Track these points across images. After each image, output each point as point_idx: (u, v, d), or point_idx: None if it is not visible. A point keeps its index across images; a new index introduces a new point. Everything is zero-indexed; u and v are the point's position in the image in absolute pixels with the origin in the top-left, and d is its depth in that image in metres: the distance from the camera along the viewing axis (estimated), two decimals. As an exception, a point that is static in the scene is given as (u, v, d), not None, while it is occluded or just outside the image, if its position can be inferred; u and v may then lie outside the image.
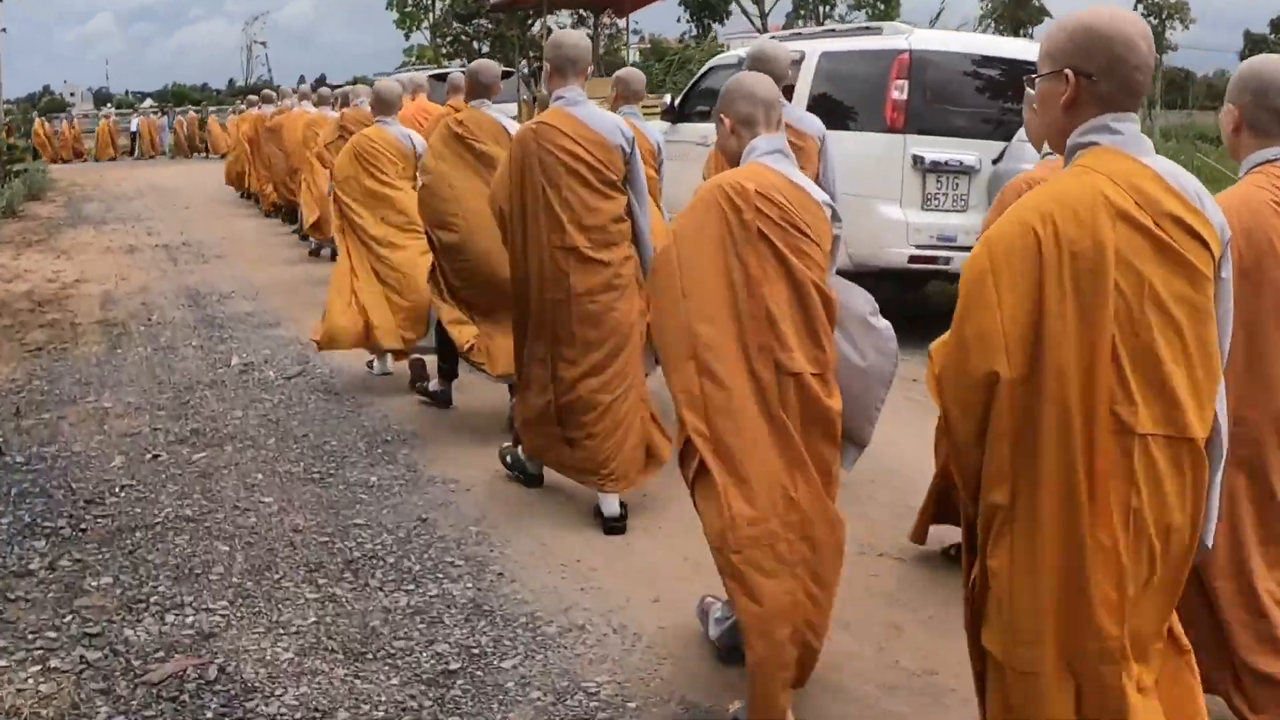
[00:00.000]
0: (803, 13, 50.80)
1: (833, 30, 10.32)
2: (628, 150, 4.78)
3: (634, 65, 39.28)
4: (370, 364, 7.82)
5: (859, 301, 3.44)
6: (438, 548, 4.82)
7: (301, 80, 73.47)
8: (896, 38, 8.91)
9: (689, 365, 3.17)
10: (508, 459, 5.57)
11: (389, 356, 7.73)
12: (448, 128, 5.93)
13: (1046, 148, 4.08)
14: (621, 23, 38.15)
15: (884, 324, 3.46)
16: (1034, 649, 2.30)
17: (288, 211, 15.68)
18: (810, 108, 9.33)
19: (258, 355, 8.38)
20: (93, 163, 36.89)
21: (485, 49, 36.11)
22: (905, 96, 8.56)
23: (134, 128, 40.62)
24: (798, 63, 9.57)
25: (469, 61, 35.94)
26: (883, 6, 54.98)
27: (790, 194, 3.22)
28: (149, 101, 61.35)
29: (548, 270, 4.77)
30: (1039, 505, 2.27)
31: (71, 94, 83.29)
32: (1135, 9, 52.03)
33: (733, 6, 54.48)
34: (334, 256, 12.61)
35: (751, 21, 41.69)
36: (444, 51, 38.29)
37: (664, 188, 7.74)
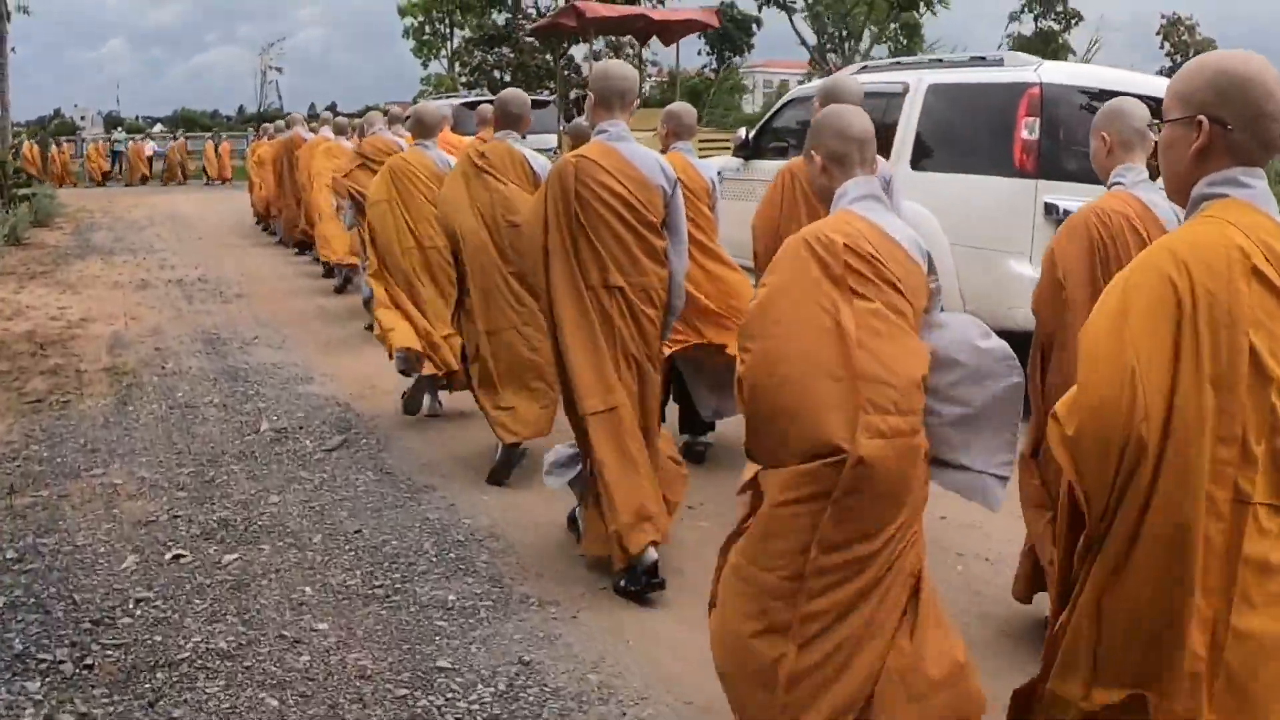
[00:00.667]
0: (830, 47, 50.36)
1: (940, 60, 9.24)
2: (668, 191, 4.51)
3: (655, 96, 38.71)
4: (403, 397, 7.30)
5: (967, 329, 3.11)
6: (554, 709, 3.70)
7: (312, 108, 72.93)
8: (1023, 70, 7.86)
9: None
10: (621, 583, 4.58)
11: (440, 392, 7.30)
12: (468, 158, 5.78)
13: (1114, 177, 3.83)
14: (647, 53, 37.37)
15: (996, 344, 3.08)
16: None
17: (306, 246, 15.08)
18: (916, 147, 8.32)
19: (291, 418, 7.27)
20: (95, 187, 35.91)
21: (507, 78, 35.17)
22: (1036, 136, 7.50)
23: (150, 151, 39.55)
24: (900, 95, 8.58)
25: (489, 90, 35.24)
26: (905, 41, 54.87)
27: (881, 246, 2.95)
28: (159, 126, 60.71)
29: (595, 312, 4.46)
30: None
31: (82, 117, 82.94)
32: (1162, 47, 51.34)
33: (755, 40, 54.11)
34: (347, 282, 12.04)
35: (813, 55, 40.85)
36: (464, 80, 37.40)
37: (734, 231, 6.89)
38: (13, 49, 26.64)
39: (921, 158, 8.32)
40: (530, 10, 36.92)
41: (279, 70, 47.30)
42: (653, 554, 4.46)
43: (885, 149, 8.55)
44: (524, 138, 5.90)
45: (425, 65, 43.56)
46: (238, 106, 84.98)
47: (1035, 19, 58.69)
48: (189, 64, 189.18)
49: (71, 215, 23.58)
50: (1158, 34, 51.53)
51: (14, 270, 14.32)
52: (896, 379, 2.83)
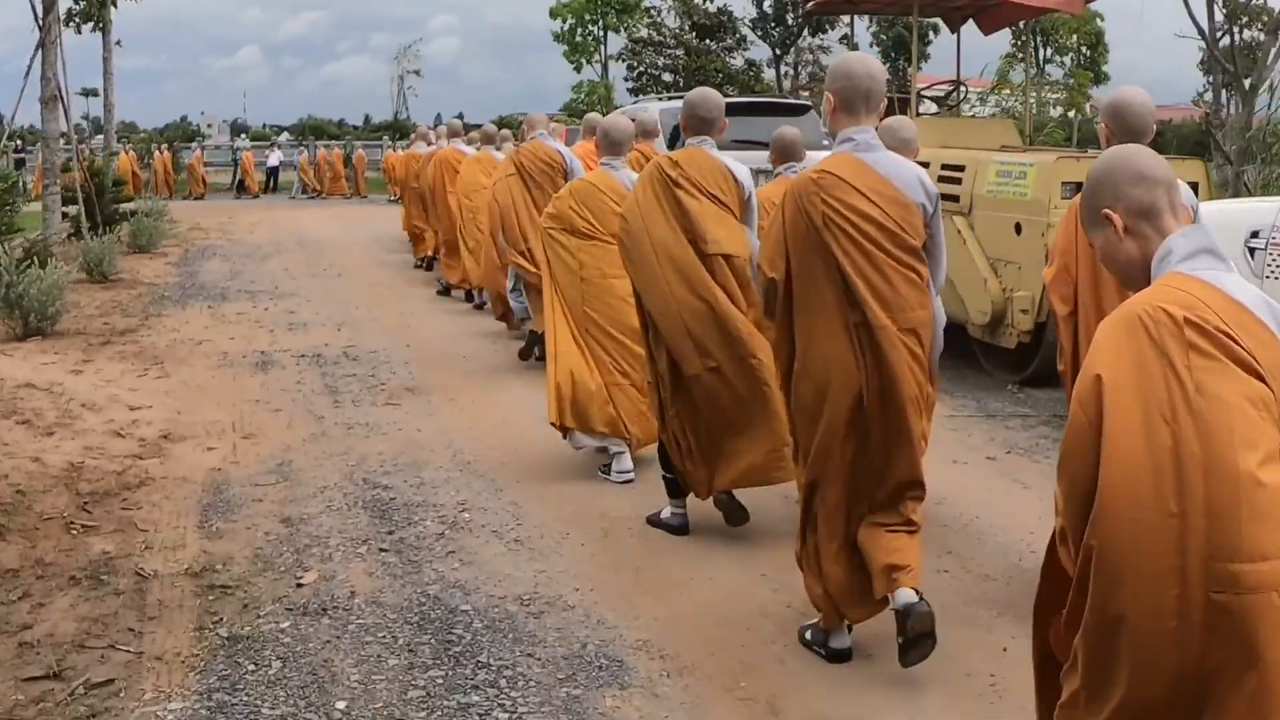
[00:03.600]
0: (1020, 56, 46.17)
1: None
2: (929, 210, 3.80)
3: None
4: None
5: None
6: None
7: (439, 118, 71.16)
8: None
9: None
10: (806, 635, 3.98)
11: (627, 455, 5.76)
12: (659, 170, 4.93)
13: None
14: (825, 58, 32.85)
15: None
16: None
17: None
18: None
19: None
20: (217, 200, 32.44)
21: (682, 82, 30.80)
22: None
23: (271, 162, 36.10)
24: None
25: (660, 96, 31.09)
26: (1088, 52, 51.85)
27: (1233, 317, 2.16)
28: (285, 135, 58.73)
29: (837, 359, 3.67)
30: None
31: (209, 125, 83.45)
32: None
33: (930, 49, 49.87)
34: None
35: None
36: (629, 86, 33.21)
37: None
38: (118, 42, 23.34)
39: None
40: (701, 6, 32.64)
41: (417, 73, 43.68)
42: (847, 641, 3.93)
43: None
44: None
45: (578, 70, 39.81)
46: (364, 116, 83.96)
47: (1240, 29, 53.56)
48: (320, 73, 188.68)
49: (181, 236, 19.74)
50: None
51: (83, 329, 10.08)
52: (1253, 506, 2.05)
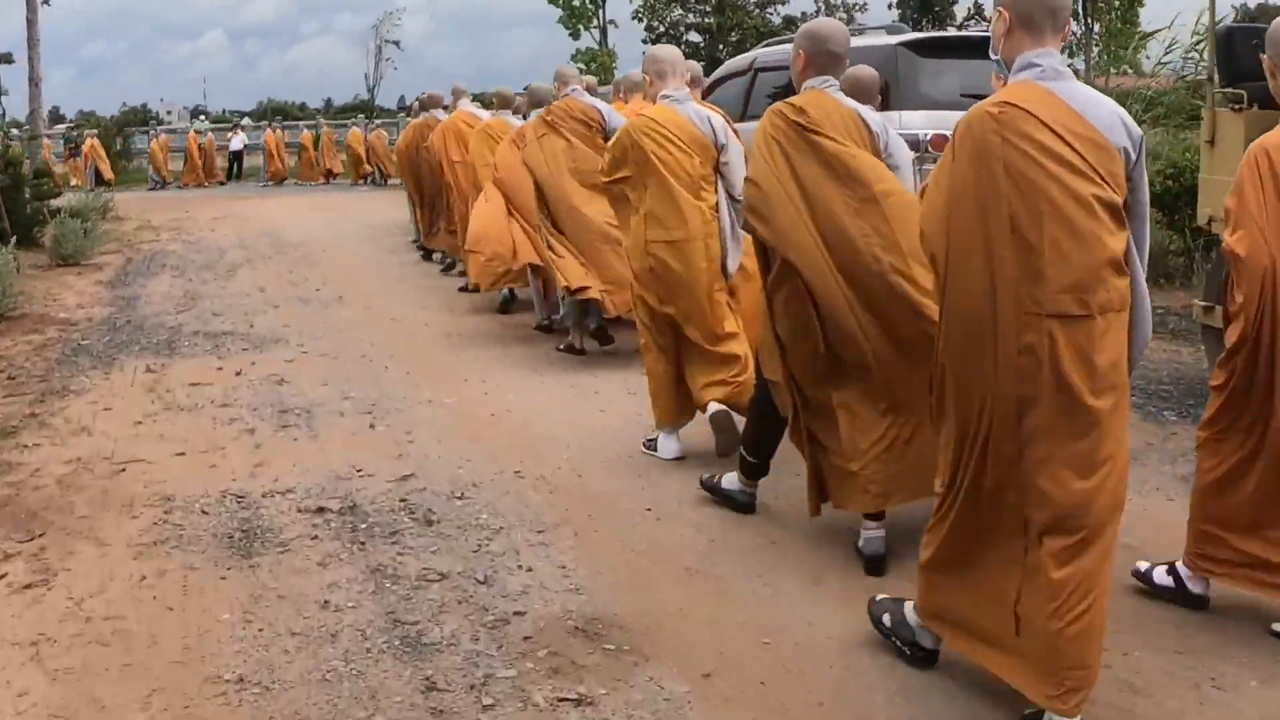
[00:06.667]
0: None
1: None
2: (1133, 157, 2.92)
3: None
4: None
5: None
6: None
7: (402, 100, 69.62)
8: None
9: None
10: (884, 620, 3.35)
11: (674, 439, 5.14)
12: (783, 119, 4.07)
13: None
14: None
15: None
16: None
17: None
18: None
19: None
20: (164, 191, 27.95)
21: (703, 43, 26.63)
22: None
23: (234, 146, 31.78)
24: None
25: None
26: (1120, 11, 49.35)
27: None
28: (247, 120, 55.37)
29: (1010, 344, 2.81)
30: None
31: (168, 111, 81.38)
32: None
33: (956, 6, 46.39)
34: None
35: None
36: (646, 49, 29.21)
37: None
38: (45, 2, 19.49)
39: None
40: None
41: (396, 44, 39.62)
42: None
43: None
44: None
45: (575, 37, 35.95)
46: (325, 99, 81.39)
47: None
48: (283, 57, 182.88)
49: (127, 239, 15.47)
50: None
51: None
52: None
